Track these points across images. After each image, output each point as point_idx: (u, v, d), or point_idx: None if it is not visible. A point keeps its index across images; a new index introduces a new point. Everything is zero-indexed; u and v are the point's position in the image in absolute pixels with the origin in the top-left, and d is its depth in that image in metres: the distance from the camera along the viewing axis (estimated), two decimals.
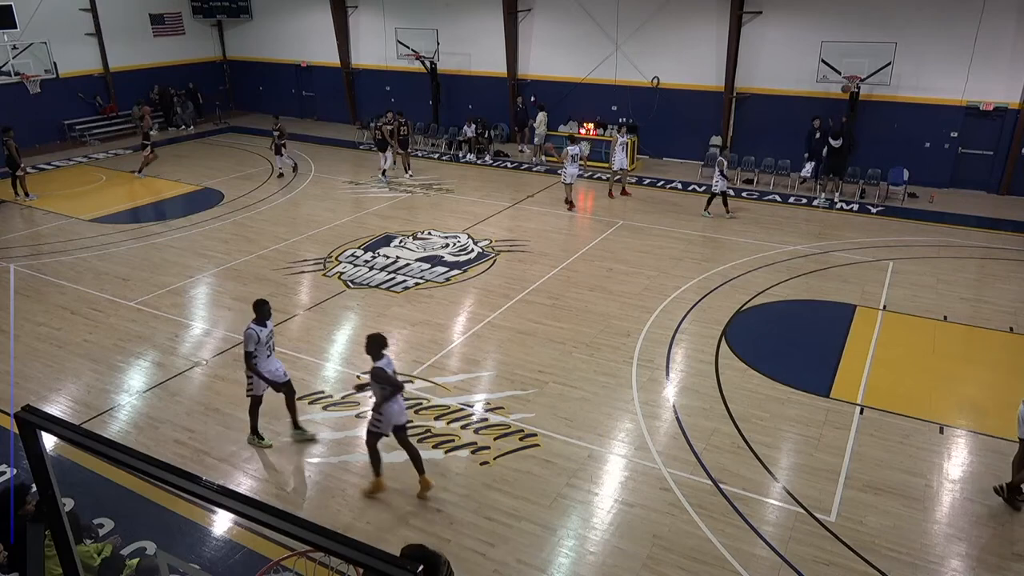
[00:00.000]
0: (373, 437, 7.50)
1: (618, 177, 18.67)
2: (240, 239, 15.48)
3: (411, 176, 20.19)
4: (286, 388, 8.40)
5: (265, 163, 22.12)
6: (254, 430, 8.46)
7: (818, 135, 17.93)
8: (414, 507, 7.41)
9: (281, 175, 20.15)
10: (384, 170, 19.76)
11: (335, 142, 24.79)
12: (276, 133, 19.47)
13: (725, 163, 16.14)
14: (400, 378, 9.76)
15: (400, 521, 7.26)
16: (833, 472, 7.93)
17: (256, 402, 8.33)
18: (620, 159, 18.31)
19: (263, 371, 8.14)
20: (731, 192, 16.79)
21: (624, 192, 18.67)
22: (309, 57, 27.90)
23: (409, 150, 20.74)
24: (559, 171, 18.30)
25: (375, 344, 7.29)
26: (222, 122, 28.20)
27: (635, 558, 6.78)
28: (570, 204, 17.50)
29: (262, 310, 8.18)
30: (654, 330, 11.19)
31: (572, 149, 17.23)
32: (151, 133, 21.04)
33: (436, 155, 23.29)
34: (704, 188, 19.07)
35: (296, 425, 8.57)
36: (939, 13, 17.41)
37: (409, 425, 8.74)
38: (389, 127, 19.58)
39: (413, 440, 7.85)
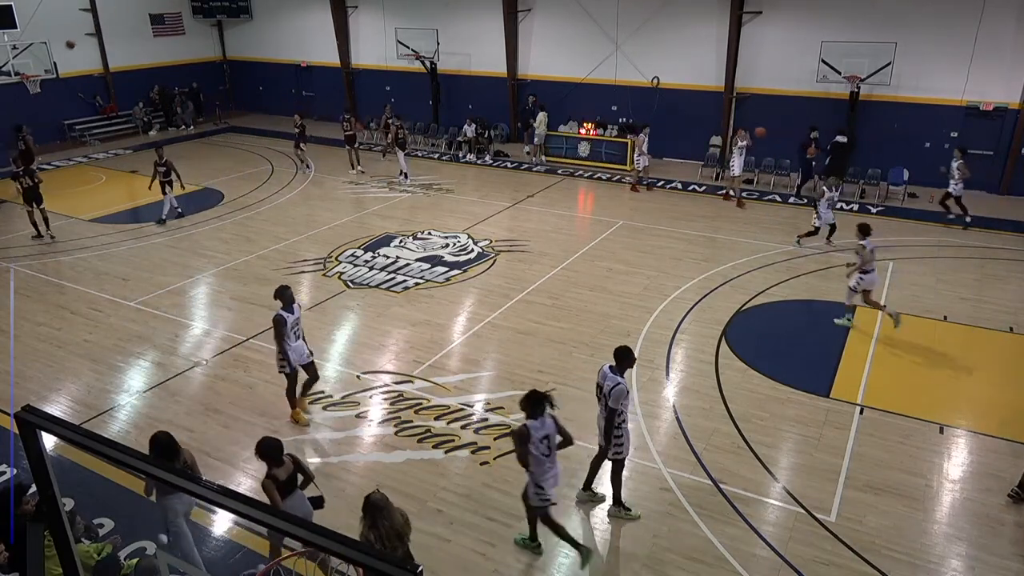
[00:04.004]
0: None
1: (733, 187, 17.88)
2: (240, 239, 15.48)
3: (359, 172, 20.63)
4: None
5: (265, 163, 22.16)
6: (617, 500, 7.34)
7: (816, 142, 17.92)
8: (414, 507, 7.40)
9: (178, 215, 16.87)
10: (405, 172, 19.85)
11: (335, 142, 24.75)
12: (162, 169, 16.31)
13: (835, 196, 14.37)
14: (400, 378, 9.86)
15: None
16: (833, 472, 7.93)
17: (619, 467, 7.23)
18: (739, 164, 17.27)
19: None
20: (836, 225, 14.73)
21: (740, 204, 17.61)
22: (309, 57, 27.90)
23: (357, 145, 21.14)
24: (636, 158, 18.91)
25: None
26: (222, 122, 28.21)
27: (635, 558, 6.78)
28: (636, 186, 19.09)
29: (628, 358, 6.87)
30: (654, 330, 11.19)
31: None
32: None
33: (436, 155, 23.30)
34: (704, 188, 19.10)
35: (617, 500, 7.39)
36: (939, 13, 17.41)
37: (409, 426, 8.78)
38: (346, 125, 20.46)
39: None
